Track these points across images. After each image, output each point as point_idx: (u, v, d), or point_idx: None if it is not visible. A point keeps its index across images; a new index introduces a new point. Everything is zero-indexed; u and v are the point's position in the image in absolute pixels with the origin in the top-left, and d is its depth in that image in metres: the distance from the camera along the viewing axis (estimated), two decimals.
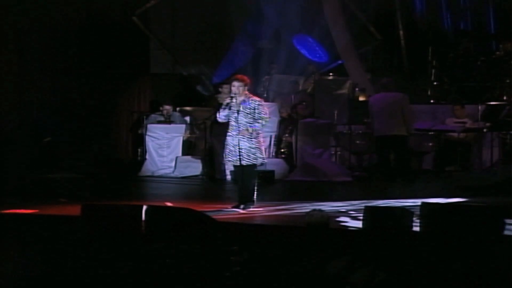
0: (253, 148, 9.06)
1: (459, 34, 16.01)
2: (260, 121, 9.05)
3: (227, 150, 9.15)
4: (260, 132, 9.19)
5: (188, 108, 14.67)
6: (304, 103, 14.28)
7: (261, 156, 9.14)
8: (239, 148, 9.05)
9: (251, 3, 15.79)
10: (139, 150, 14.37)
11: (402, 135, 11.94)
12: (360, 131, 13.48)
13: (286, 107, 14.41)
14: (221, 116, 9.18)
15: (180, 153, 13.64)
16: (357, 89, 14.61)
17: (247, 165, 9.07)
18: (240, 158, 9.05)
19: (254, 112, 9.04)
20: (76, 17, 14.42)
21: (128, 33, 15.52)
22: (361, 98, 14.39)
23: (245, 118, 9.04)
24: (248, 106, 9.03)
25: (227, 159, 9.23)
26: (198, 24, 16.23)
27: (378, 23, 16.50)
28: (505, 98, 14.04)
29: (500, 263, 5.35)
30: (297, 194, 11.10)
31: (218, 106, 9.73)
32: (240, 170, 9.21)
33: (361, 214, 7.47)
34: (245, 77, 9.28)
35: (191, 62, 16.55)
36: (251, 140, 9.05)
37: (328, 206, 9.05)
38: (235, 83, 9.11)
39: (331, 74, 15.55)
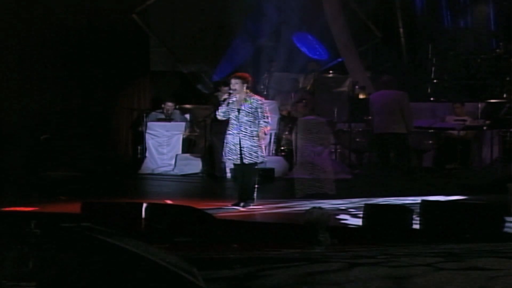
0: (254, 147, 9.07)
1: (459, 32, 16.01)
2: (265, 120, 9.08)
3: (227, 149, 9.14)
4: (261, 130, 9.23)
5: (188, 106, 14.67)
6: (304, 101, 14.27)
7: (262, 154, 9.16)
8: (240, 147, 9.05)
9: (251, 1, 15.77)
10: (139, 147, 14.35)
11: (402, 133, 11.95)
12: (360, 129, 13.48)
13: (286, 105, 14.40)
14: (219, 113, 9.18)
15: (180, 151, 13.64)
16: (357, 87, 14.60)
17: (248, 163, 9.08)
18: (241, 157, 9.05)
19: (256, 111, 9.05)
20: (76, 14, 14.40)
21: (128, 31, 15.51)
22: (361, 96, 14.38)
23: (246, 116, 9.04)
24: (250, 105, 9.04)
25: (226, 157, 9.22)
26: (198, 21, 16.21)
27: (378, 21, 16.49)
28: (505, 96, 14.05)
29: (499, 261, 5.36)
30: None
31: (218, 104, 9.73)
32: (240, 168, 9.22)
33: (361, 212, 7.49)
34: (246, 75, 9.29)
35: (191, 60, 16.52)
36: (253, 139, 9.05)
37: (328, 204, 9.05)
38: (232, 80, 9.14)
39: (331, 72, 15.54)
